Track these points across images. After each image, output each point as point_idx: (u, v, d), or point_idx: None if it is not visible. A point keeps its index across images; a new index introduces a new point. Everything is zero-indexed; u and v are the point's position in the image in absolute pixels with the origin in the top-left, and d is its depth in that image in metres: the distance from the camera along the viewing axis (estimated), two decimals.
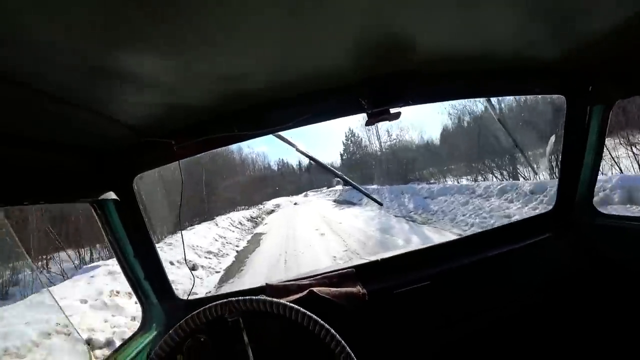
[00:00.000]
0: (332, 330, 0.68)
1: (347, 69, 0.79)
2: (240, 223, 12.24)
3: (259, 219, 15.28)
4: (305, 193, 38.20)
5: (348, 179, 1.14)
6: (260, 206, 20.51)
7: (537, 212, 1.12)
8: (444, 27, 0.65)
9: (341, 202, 16.92)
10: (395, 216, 8.32)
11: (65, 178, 0.77)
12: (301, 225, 9.50)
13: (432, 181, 13.74)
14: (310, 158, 1.04)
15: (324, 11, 0.50)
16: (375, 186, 17.13)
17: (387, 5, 0.52)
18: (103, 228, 0.90)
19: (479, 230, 1.32)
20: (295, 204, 22.86)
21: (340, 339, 0.68)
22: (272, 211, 19.70)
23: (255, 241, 8.40)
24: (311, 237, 7.00)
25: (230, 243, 8.16)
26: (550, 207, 1.22)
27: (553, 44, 0.80)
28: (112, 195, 0.88)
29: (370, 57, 0.74)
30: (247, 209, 17.69)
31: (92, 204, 0.86)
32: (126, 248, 0.94)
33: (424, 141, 18.49)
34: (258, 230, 11.14)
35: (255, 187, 23.93)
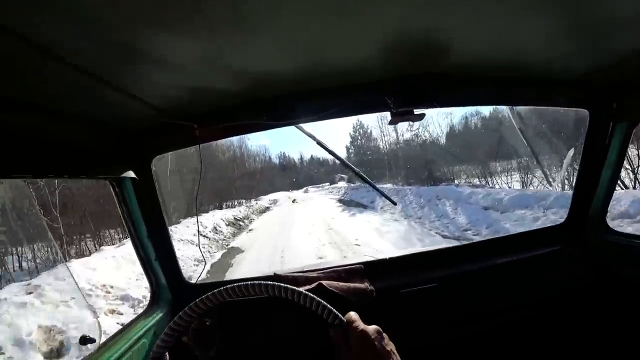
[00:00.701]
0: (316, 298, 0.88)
1: (377, 66, 1.07)
2: (215, 229, 12.19)
3: (245, 221, 15.93)
4: (305, 189, 45.01)
5: (366, 176, 1.58)
6: (253, 202, 24.12)
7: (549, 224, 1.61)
8: (477, 34, 0.89)
9: (348, 203, 18.40)
10: (443, 236, 7.83)
11: (88, 153, 1.05)
12: (297, 245, 8.77)
13: (477, 182, 13.58)
14: (331, 152, 1.49)
15: (361, 8, 0.69)
16: (389, 186, 18.43)
17: (424, 7, 0.73)
18: (120, 206, 1.25)
19: (490, 237, 1.77)
20: (293, 201, 27.75)
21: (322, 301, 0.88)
22: (267, 209, 22.79)
23: (221, 269, 7.65)
24: None
25: None
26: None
27: (581, 59, 1.13)
28: (131, 174, 1.19)
29: (401, 57, 1.02)
30: (235, 206, 19.49)
31: (112, 181, 1.19)
32: (140, 228, 1.29)
33: (459, 130, 18.54)
34: (236, 242, 10.73)
35: (253, 180, 27.65)
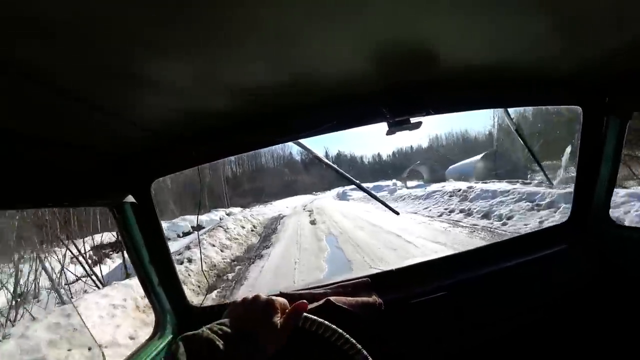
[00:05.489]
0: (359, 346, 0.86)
1: (370, 78, 1.08)
2: None
3: None
4: (338, 192, 28.82)
5: (367, 189, 1.59)
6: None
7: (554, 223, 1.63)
8: (467, 40, 0.91)
9: None
10: None
11: (87, 181, 1.06)
12: None
13: None
14: (329, 165, 1.50)
15: (350, 20, 0.70)
16: None
17: (412, 16, 0.74)
18: (121, 232, 1.25)
19: (496, 240, 1.79)
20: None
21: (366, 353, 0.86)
22: None
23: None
24: None
25: None
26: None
27: (571, 57, 1.13)
28: (130, 198, 1.20)
29: (393, 68, 1.03)
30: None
31: (112, 207, 1.20)
32: (142, 253, 1.28)
33: None
34: None
35: (260, 182, 23.52)
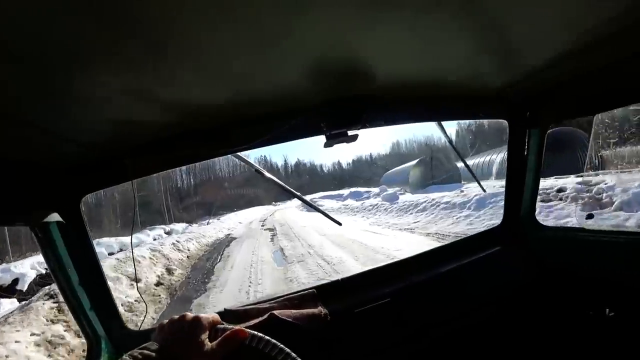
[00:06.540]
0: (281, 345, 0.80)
1: (307, 92, 1.12)
2: None
3: None
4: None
5: (308, 200, 1.57)
6: None
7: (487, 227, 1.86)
8: (399, 56, 0.97)
9: None
10: None
11: (5, 198, 0.95)
12: None
13: None
14: (269, 179, 1.46)
15: (286, 36, 0.73)
16: None
17: (347, 33, 0.77)
18: (44, 253, 1.13)
19: (435, 245, 1.84)
20: None
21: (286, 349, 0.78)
22: None
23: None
24: None
25: None
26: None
27: (496, 74, 1.27)
28: (56, 217, 1.11)
29: (329, 82, 1.07)
30: None
31: (33, 227, 1.09)
32: (71, 275, 1.18)
33: None
34: None
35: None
